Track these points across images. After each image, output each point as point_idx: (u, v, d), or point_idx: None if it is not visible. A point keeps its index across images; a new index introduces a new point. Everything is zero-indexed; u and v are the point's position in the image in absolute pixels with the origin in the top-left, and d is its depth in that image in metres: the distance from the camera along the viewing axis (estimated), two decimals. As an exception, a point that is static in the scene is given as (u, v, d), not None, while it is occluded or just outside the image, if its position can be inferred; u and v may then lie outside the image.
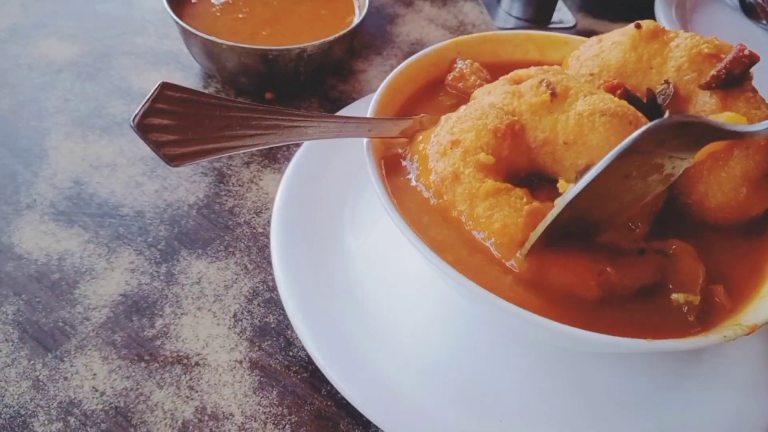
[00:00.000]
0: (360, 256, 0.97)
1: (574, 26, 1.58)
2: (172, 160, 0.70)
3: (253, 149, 0.77)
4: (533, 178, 0.89)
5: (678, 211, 0.90)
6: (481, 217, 0.79)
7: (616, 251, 0.80)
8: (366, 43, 1.46)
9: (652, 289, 0.79)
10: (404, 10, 1.58)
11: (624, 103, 0.90)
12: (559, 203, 0.75)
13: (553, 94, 0.87)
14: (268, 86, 1.23)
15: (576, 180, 0.86)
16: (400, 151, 0.90)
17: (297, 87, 1.25)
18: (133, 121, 0.68)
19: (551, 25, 1.59)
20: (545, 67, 0.96)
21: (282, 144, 0.81)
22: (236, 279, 0.96)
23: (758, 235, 0.90)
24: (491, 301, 0.74)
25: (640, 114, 0.90)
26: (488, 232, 0.79)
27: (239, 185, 1.09)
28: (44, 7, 1.46)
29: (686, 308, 0.78)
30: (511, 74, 0.96)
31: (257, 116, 0.79)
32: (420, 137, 0.89)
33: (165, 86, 0.71)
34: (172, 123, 0.71)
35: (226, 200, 1.07)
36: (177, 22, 1.17)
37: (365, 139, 0.89)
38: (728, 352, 0.93)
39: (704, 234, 0.89)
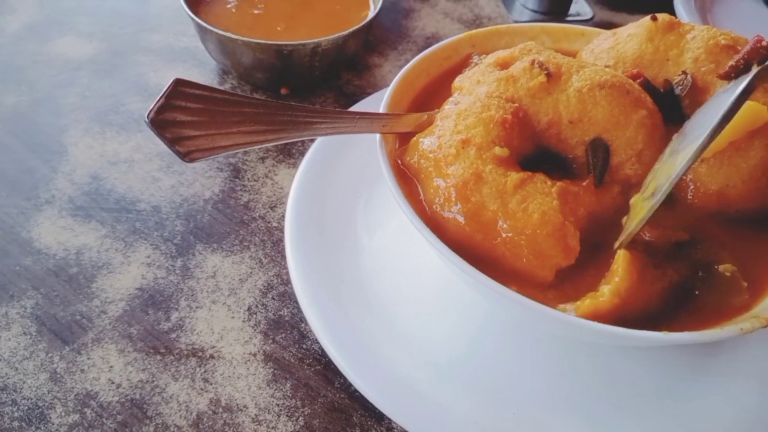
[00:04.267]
0: (373, 251, 0.97)
1: (591, 18, 1.57)
2: (187, 156, 0.70)
3: (267, 145, 0.77)
4: (535, 159, 0.89)
5: (695, 202, 0.89)
6: (517, 212, 0.78)
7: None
8: (381, 37, 1.46)
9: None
10: (419, 5, 1.58)
11: (615, 71, 0.90)
12: (665, 187, 0.75)
13: (549, 75, 0.87)
14: (284, 82, 1.23)
15: (589, 156, 0.85)
16: (398, 162, 0.89)
17: (312, 82, 1.25)
18: (148, 117, 0.69)
19: (568, 18, 1.58)
20: (522, 45, 0.96)
21: (295, 140, 0.82)
22: (251, 273, 0.96)
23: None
24: (513, 300, 0.74)
25: (632, 81, 0.90)
26: (530, 227, 0.77)
27: (254, 180, 1.10)
28: (61, 4, 1.48)
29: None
30: (493, 58, 0.96)
31: (270, 112, 0.79)
32: (423, 140, 0.88)
33: (179, 82, 0.72)
34: (186, 119, 0.72)
35: (242, 195, 1.07)
36: (193, 19, 1.17)
37: (378, 135, 0.89)
38: (749, 342, 0.92)
39: (722, 226, 0.88)
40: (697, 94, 0.97)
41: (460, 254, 0.81)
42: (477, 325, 0.92)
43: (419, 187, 0.86)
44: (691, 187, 0.90)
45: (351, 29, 1.17)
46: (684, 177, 0.90)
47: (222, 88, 1.25)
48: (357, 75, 1.34)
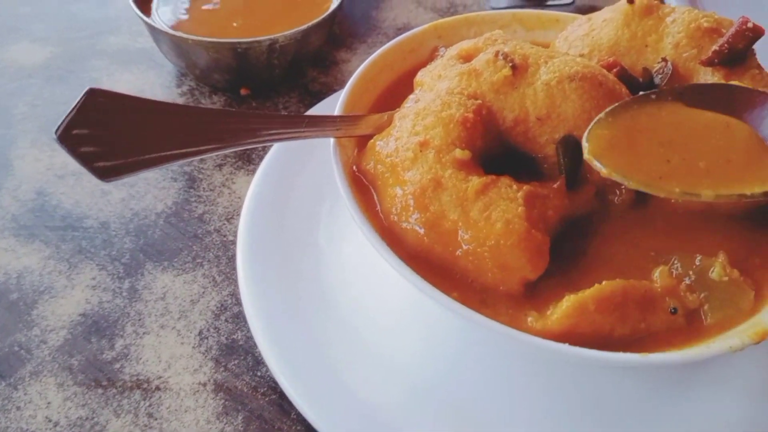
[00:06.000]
0: (337, 267, 0.89)
1: (572, 3, 1.49)
2: (104, 175, 0.63)
3: (202, 156, 0.70)
4: (502, 160, 0.82)
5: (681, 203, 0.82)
6: (479, 221, 0.71)
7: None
8: (349, 30, 1.38)
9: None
10: (392, -6, 1.50)
11: (587, 61, 0.82)
12: None
13: (514, 67, 0.79)
14: (243, 82, 1.16)
15: (560, 155, 0.78)
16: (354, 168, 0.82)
17: (273, 81, 1.18)
18: (56, 133, 0.61)
19: (549, 3, 1.49)
20: (488, 34, 0.88)
21: (234, 150, 0.75)
22: (203, 293, 0.89)
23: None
24: (467, 317, 0.68)
25: (606, 71, 0.83)
26: (493, 237, 0.70)
27: (210, 190, 1.03)
28: (17, 10, 1.41)
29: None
30: (456, 49, 0.88)
31: (205, 121, 0.72)
32: (379, 143, 0.81)
33: (93, 93, 0.64)
34: (104, 133, 0.65)
35: (196, 207, 1.01)
36: (142, 19, 1.10)
37: (332, 140, 0.82)
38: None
39: (714, 225, 0.81)
40: (679, 83, 0.89)
41: (421, 268, 0.74)
42: (450, 344, 0.84)
43: (375, 196, 0.79)
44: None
45: (310, 23, 1.10)
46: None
47: (179, 91, 1.19)
48: (323, 71, 1.27)
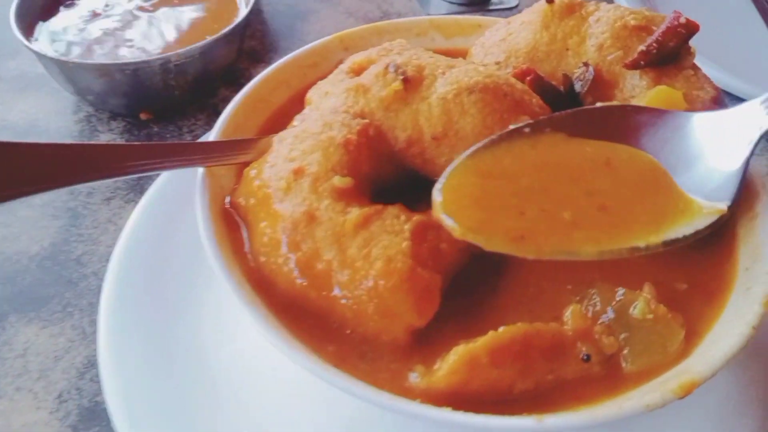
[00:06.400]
0: (223, 320, 0.76)
1: (515, 7, 1.39)
2: None
3: (22, 198, 0.59)
4: (399, 186, 0.71)
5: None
6: (356, 260, 0.61)
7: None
8: (270, 44, 1.28)
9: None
10: (321, 5, 1.39)
11: (491, 71, 0.72)
12: None
13: (406, 80, 0.69)
14: (142, 106, 1.05)
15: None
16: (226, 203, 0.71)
17: (176, 103, 1.07)
18: None
19: (491, 7, 1.40)
20: (387, 44, 0.78)
21: (73, 186, 0.64)
22: (70, 347, 0.78)
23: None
24: (344, 387, 0.57)
25: (513, 80, 0.72)
26: (372, 278, 0.60)
27: (94, 227, 0.92)
28: None
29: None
30: (348, 63, 0.78)
31: (22, 156, 0.61)
32: (252, 172, 0.70)
33: None
34: None
35: (76, 247, 0.90)
36: (23, 43, 1.00)
37: (200, 170, 0.71)
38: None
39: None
40: (604, 89, 0.79)
41: (295, 319, 0.63)
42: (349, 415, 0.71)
43: (246, 234, 0.68)
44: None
45: (208, 40, 1.00)
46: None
47: (75, 118, 1.09)
48: (236, 89, 1.15)
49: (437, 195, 0.60)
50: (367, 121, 0.70)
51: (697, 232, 0.60)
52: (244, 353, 0.73)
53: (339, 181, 0.65)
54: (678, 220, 0.61)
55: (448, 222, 0.57)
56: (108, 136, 1.06)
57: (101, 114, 1.10)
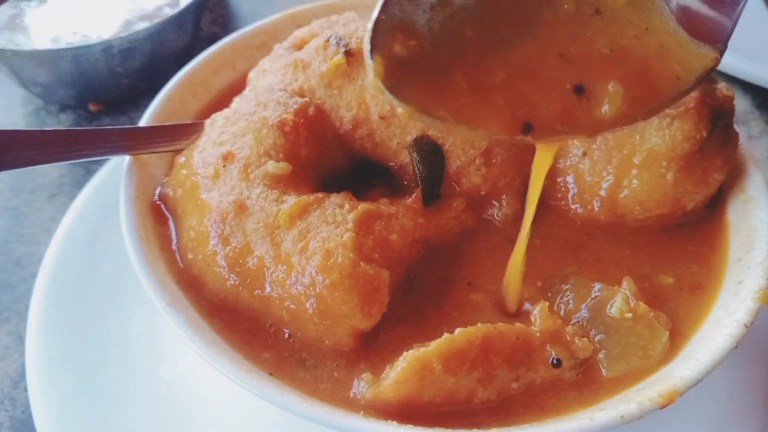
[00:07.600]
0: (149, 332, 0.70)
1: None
2: None
3: None
4: (352, 173, 0.65)
5: (581, 214, 0.64)
6: (292, 254, 0.54)
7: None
8: (232, 30, 1.19)
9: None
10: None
11: None
12: None
13: (349, 54, 0.62)
14: (91, 96, 0.99)
15: (414, 162, 0.61)
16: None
17: (127, 91, 1.00)
18: None
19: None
20: (334, 17, 0.71)
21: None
22: (4, 354, 0.73)
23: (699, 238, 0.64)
24: (276, 402, 0.50)
25: None
26: (309, 273, 0.53)
27: (37, 226, 0.86)
28: None
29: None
30: (291, 39, 0.71)
31: None
32: (181, 159, 0.64)
33: None
34: None
35: (16, 248, 0.84)
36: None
37: (127, 158, 0.65)
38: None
39: (621, 242, 0.63)
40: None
41: (227, 322, 0.57)
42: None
43: (173, 229, 0.62)
44: (573, 191, 0.65)
45: (155, 23, 0.93)
46: (559, 178, 0.65)
47: (23, 111, 1.03)
48: (194, 78, 1.09)
49: (368, 58, 0.45)
50: (306, 99, 0.63)
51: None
52: (178, 361, 0.67)
53: (273, 166, 0.59)
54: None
55: (387, 95, 0.46)
56: (56, 129, 1.00)
57: (50, 107, 1.04)
